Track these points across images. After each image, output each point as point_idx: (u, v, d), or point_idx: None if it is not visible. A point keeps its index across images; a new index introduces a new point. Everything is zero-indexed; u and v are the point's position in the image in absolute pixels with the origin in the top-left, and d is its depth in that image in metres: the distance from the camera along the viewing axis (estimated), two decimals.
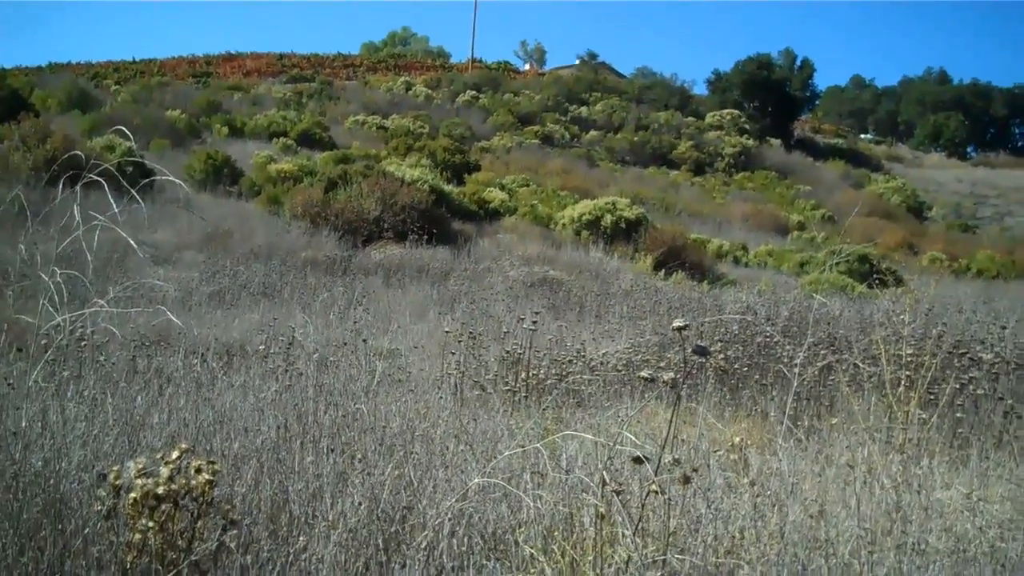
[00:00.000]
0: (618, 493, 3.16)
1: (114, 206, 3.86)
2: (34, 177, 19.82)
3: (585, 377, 8.74)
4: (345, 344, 9.38)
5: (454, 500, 3.64)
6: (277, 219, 22.52)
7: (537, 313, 10.08)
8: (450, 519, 3.61)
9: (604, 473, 3.13)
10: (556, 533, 3.53)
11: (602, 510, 3.16)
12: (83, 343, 6.71)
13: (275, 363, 7.78)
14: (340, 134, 38.30)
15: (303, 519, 3.87)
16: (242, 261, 17.64)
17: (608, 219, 25.30)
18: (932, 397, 6.04)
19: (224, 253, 18.31)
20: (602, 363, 9.79)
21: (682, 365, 3.11)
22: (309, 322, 10.81)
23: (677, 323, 3.12)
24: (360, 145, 34.96)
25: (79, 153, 8.58)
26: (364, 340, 9.32)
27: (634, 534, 3.10)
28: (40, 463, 3.87)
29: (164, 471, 3.36)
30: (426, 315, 14.50)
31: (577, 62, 74.38)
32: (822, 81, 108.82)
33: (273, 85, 52.39)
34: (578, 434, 3.81)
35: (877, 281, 21.52)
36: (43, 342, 4.40)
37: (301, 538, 3.61)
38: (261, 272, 16.82)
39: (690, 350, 3.21)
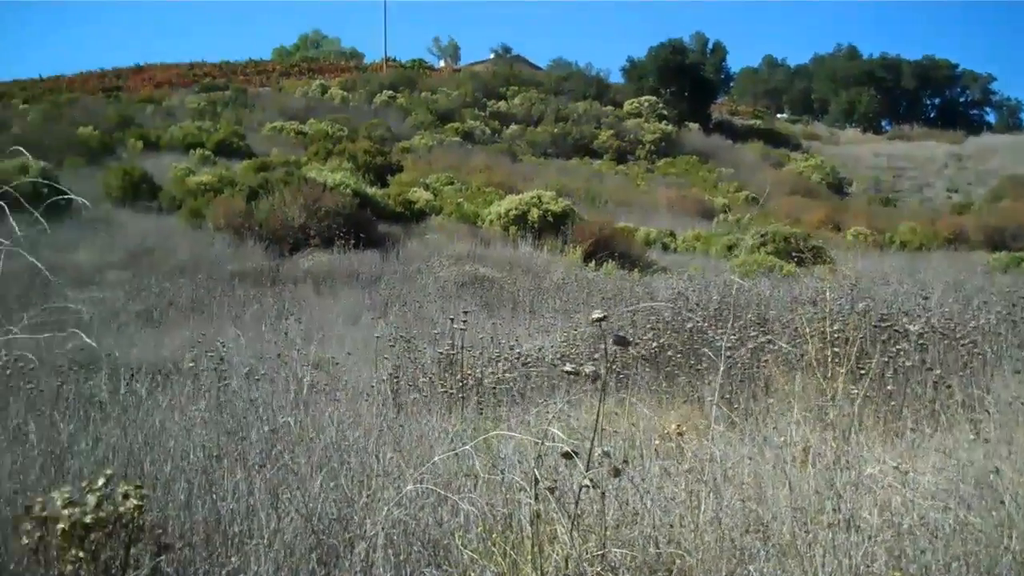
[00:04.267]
0: (552, 490, 3.16)
1: (16, 230, 3.76)
2: None
3: (511, 375, 8.71)
4: (278, 356, 9.28)
5: (388, 509, 3.60)
6: (200, 232, 22.22)
7: (467, 312, 10.05)
8: (385, 529, 3.57)
9: (536, 471, 3.12)
10: (495, 535, 3.52)
11: (537, 509, 3.14)
12: (7, 372, 6.57)
13: (206, 380, 7.64)
14: (258, 142, 37.73)
15: (237, 538, 3.81)
16: (168, 277, 17.39)
17: (535, 213, 25.32)
18: (862, 372, 6.11)
19: (149, 270, 18.03)
20: (538, 358, 9.79)
21: (610, 356, 3.11)
22: (240, 335, 10.67)
23: (596, 315, 3.13)
24: (279, 152, 34.51)
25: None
26: (297, 350, 9.22)
27: (571, 530, 3.10)
28: None
29: (91, 499, 3.30)
30: (359, 321, 14.42)
31: (492, 56, 74.30)
32: (735, 63, 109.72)
33: (186, 96, 51.49)
34: (508, 433, 3.80)
35: (804, 260, 21.84)
36: None
37: (234, 558, 3.55)
38: (188, 287, 16.61)
39: (611, 341, 3.23)
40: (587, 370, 3.06)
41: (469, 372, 8.76)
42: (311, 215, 22.09)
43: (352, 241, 21.04)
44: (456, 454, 3.98)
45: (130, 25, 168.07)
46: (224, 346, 8.97)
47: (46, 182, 11.50)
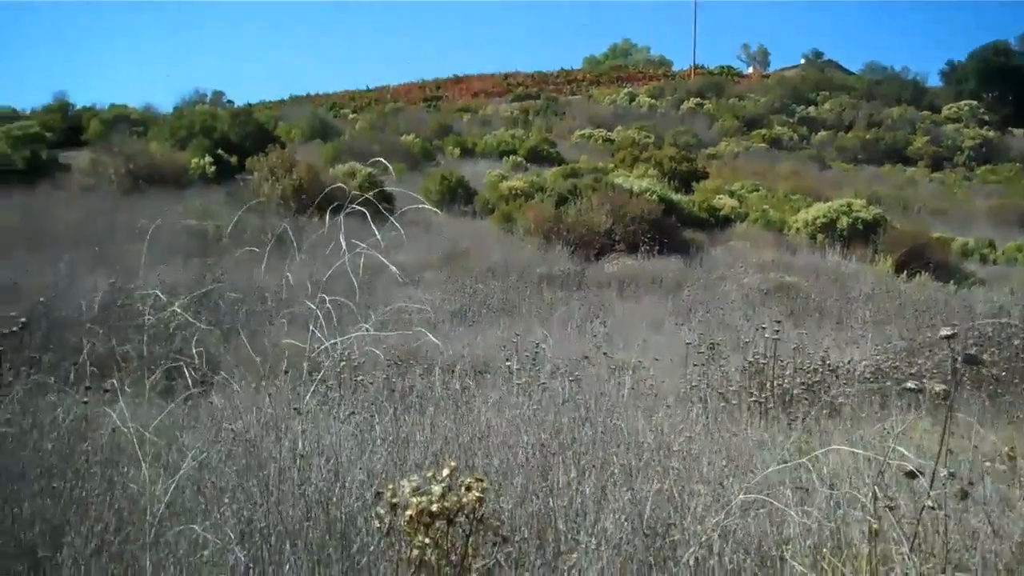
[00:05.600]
0: (891, 509, 3.11)
1: (376, 233, 4.06)
2: (282, 205, 20.97)
3: (845, 389, 8.50)
4: (586, 358, 9.49)
5: (720, 516, 3.63)
6: (511, 236, 22.99)
7: (777, 321, 9.90)
8: (719, 535, 3.61)
9: (875, 488, 3.09)
10: (824, 550, 3.49)
11: (875, 526, 3.10)
12: (343, 364, 7.03)
13: (522, 379, 7.86)
14: (567, 149, 38.69)
15: (569, 535, 3.95)
16: (480, 279, 18.08)
17: (844, 221, 24.60)
18: None
19: (463, 271, 18.82)
20: (849, 371, 9.53)
21: (945, 372, 3.04)
22: (548, 336, 10.97)
23: (944, 332, 3.05)
24: (587, 159, 35.26)
25: (342, 186, 8.99)
26: (605, 354, 9.39)
27: (910, 551, 3.04)
28: (321, 483, 4.09)
29: (436, 489, 3.49)
30: (662, 326, 14.47)
31: (802, 61, 72.34)
32: None
33: (500, 104, 53.47)
34: (845, 448, 3.75)
35: None
36: (307, 365, 4.63)
37: (574, 555, 3.68)
38: (499, 289, 17.19)
39: (960, 359, 3.13)
40: (937, 388, 2.98)
41: (778, 382, 8.64)
42: (617, 220, 22.44)
43: (656, 247, 21.24)
44: (787, 465, 3.97)
45: (450, 38, 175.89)
46: (537, 346, 9.26)
47: (400, 190, 12.25)
